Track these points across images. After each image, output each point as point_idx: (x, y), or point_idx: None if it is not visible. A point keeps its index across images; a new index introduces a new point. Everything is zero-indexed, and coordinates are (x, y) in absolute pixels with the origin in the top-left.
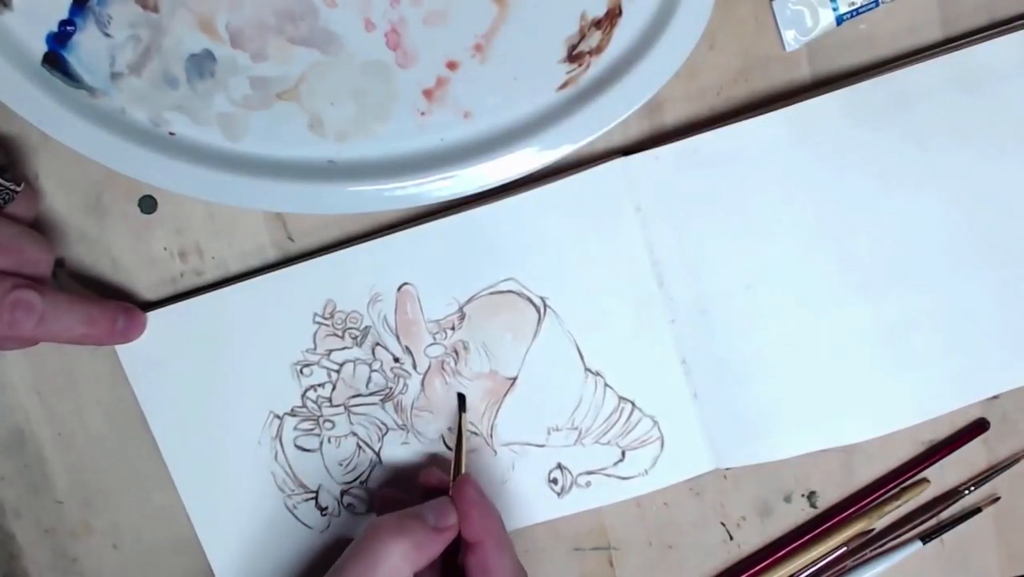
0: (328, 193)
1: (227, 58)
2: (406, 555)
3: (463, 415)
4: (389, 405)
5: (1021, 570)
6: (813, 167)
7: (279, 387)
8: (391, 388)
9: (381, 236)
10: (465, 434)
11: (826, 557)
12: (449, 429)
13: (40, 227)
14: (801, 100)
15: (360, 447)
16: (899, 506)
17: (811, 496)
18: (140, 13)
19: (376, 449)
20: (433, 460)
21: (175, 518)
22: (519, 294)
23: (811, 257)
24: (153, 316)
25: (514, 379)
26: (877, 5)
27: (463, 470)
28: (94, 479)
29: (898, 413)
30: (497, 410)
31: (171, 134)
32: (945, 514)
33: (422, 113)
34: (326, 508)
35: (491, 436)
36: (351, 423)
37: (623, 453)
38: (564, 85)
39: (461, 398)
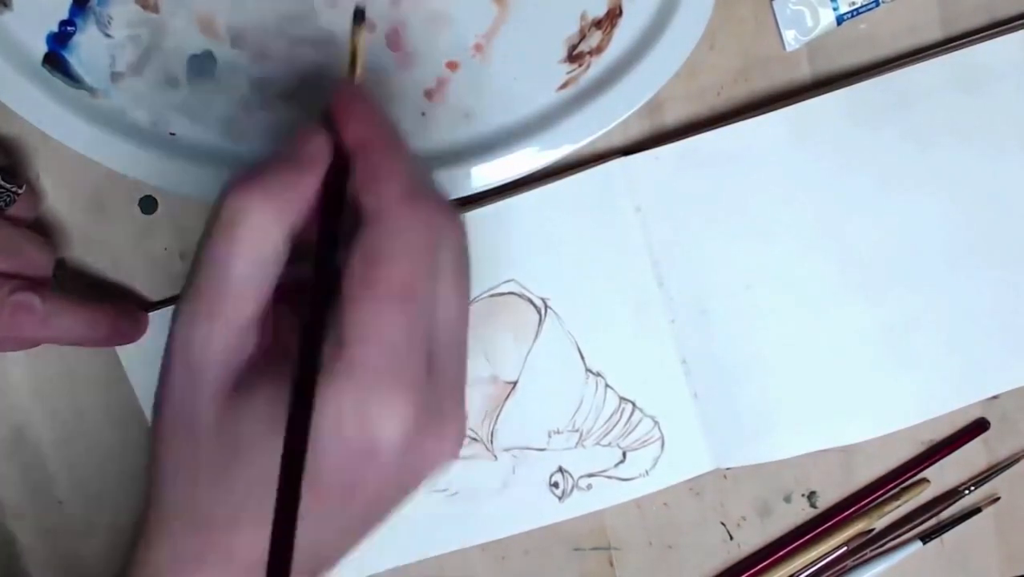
0: None
1: (227, 58)
2: (270, 211)
3: (359, 27)
4: None
5: (1021, 570)
6: (813, 167)
7: None
8: None
9: None
10: (360, 43)
11: (826, 557)
12: None
13: (40, 228)
14: (801, 100)
15: None
16: (899, 506)
17: (811, 496)
18: (140, 13)
19: None
20: None
21: None
22: (520, 296)
23: (811, 257)
24: (154, 316)
25: (514, 383)
26: (877, 5)
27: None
28: (94, 479)
29: (898, 413)
30: (497, 416)
31: (171, 134)
32: (945, 514)
33: (422, 113)
34: None
35: (491, 442)
36: None
37: (624, 454)
38: (564, 85)
39: (360, 12)
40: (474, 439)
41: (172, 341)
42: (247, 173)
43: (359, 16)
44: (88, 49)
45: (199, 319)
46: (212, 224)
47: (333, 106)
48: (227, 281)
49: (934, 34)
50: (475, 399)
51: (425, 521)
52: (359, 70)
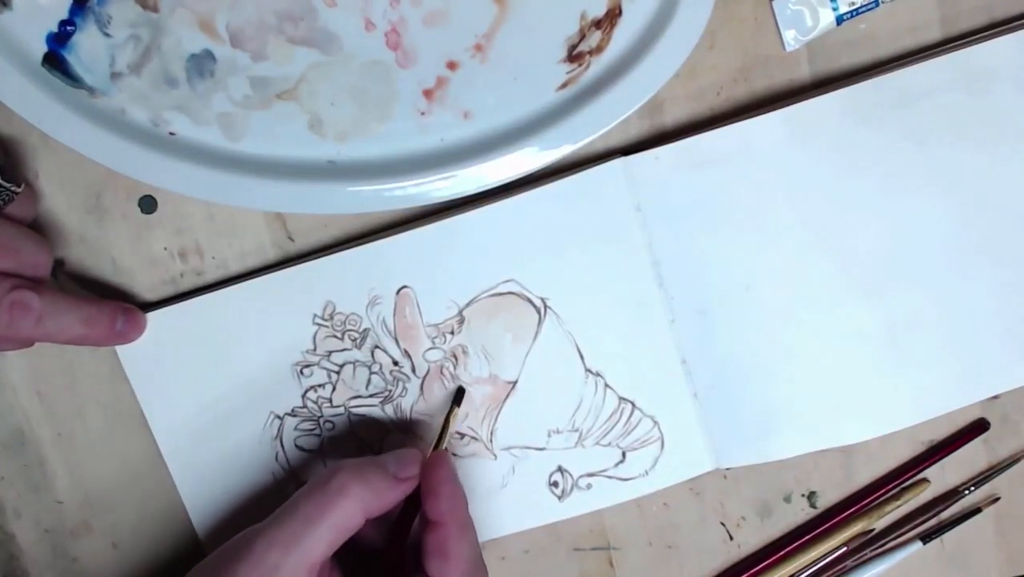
0: (328, 193)
1: (227, 58)
2: (360, 500)
3: (455, 408)
4: (388, 407)
5: (1021, 570)
6: (813, 167)
7: (279, 387)
8: (390, 391)
9: (380, 237)
10: (453, 420)
11: (826, 557)
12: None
13: (40, 227)
14: (801, 100)
15: (361, 449)
16: (899, 506)
17: (811, 496)
18: (140, 13)
19: (376, 450)
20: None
21: (175, 518)
22: (519, 295)
23: (811, 257)
24: (153, 316)
25: (514, 383)
26: (877, 5)
27: (442, 448)
28: (94, 479)
29: (898, 413)
30: (497, 415)
31: (171, 134)
32: (945, 514)
33: (422, 113)
34: None
35: (491, 441)
36: (351, 424)
37: (623, 454)
38: (564, 85)
39: (459, 392)
40: (474, 438)
41: (250, 552)
42: (355, 467)
43: (459, 396)
44: (88, 49)
45: (277, 547)
46: (318, 487)
47: (425, 474)
48: (309, 532)
49: (934, 34)
50: (475, 399)
51: None
52: (446, 441)
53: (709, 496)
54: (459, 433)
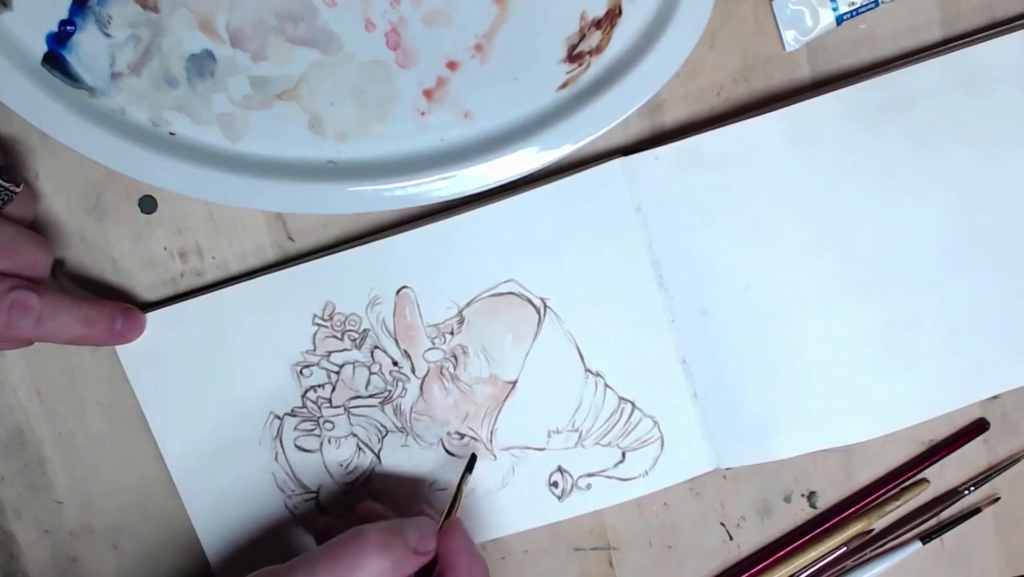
0: (328, 193)
1: (227, 58)
2: (381, 570)
3: (467, 475)
4: (388, 408)
5: (1021, 570)
6: (813, 167)
7: (279, 387)
8: (390, 391)
9: (380, 237)
10: (464, 489)
11: (826, 557)
12: (448, 433)
13: (39, 227)
14: (801, 100)
15: (360, 448)
16: (899, 506)
17: (811, 496)
18: (140, 13)
19: (376, 451)
20: (433, 465)
21: (175, 518)
22: (519, 295)
23: (811, 257)
24: (153, 316)
25: (514, 383)
26: (877, 5)
27: (456, 514)
28: (94, 479)
29: (898, 413)
30: (497, 415)
31: (171, 134)
32: (945, 514)
33: (422, 113)
34: (327, 509)
35: (491, 441)
36: (351, 424)
37: (623, 454)
38: (564, 85)
39: (472, 459)
40: (474, 438)
41: None
42: (378, 537)
43: (471, 463)
44: (88, 49)
45: None
46: (340, 551)
47: (441, 545)
48: None
49: (934, 34)
50: (475, 399)
51: None
52: (459, 508)
53: (709, 496)
54: (459, 433)
